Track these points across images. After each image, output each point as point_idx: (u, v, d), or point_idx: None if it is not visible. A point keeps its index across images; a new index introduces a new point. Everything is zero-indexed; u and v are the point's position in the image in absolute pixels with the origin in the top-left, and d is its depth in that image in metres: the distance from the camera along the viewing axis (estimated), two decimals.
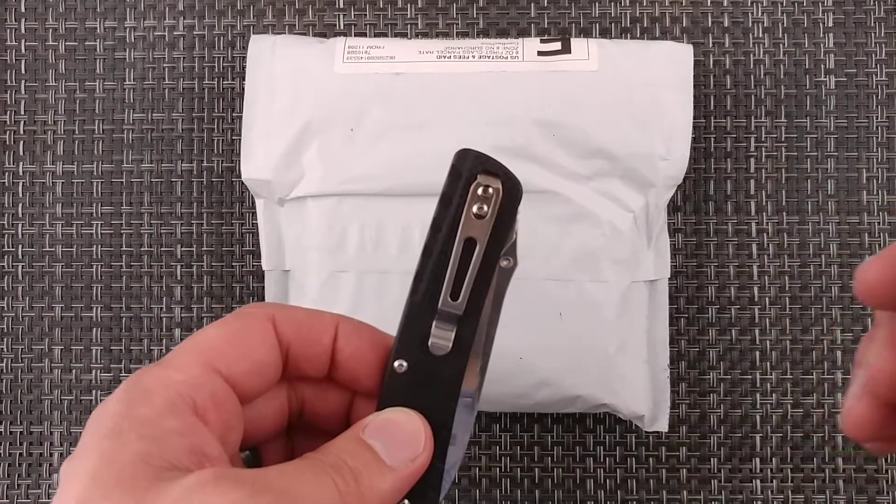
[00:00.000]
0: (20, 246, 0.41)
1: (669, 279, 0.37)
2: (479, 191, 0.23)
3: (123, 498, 0.19)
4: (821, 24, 0.40)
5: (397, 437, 0.22)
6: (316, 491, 0.20)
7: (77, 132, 0.41)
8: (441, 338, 0.23)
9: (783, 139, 0.40)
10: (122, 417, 0.20)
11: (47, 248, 0.40)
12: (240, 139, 0.38)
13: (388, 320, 0.35)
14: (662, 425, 0.37)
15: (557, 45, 0.36)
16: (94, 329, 0.40)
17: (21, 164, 0.41)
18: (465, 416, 0.23)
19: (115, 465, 0.19)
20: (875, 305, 0.23)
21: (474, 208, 0.23)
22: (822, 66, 0.40)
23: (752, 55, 0.40)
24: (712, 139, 0.40)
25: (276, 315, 0.23)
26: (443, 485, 0.23)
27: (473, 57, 0.36)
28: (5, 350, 0.40)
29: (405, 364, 0.23)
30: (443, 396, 0.23)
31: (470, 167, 0.23)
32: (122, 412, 0.20)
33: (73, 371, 0.40)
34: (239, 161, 0.37)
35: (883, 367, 0.22)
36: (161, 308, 0.40)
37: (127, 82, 0.41)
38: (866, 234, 0.39)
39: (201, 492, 0.19)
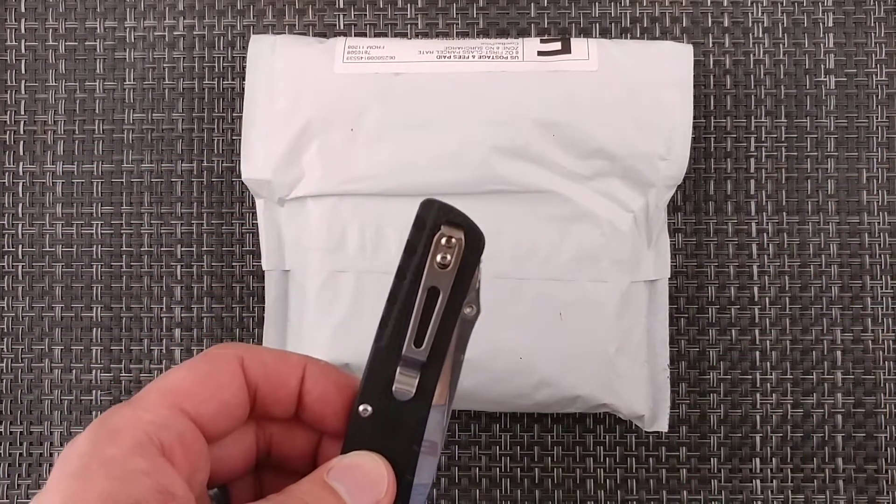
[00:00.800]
0: (20, 246, 0.41)
1: (669, 279, 0.37)
2: (443, 241, 0.23)
3: None
4: (821, 24, 0.40)
5: (361, 480, 0.23)
6: None
7: (77, 132, 0.41)
8: (405, 383, 0.24)
9: (783, 139, 0.40)
10: (89, 457, 0.20)
11: (47, 248, 0.40)
12: (240, 139, 0.38)
13: None
14: (662, 425, 0.37)
15: (557, 45, 0.36)
16: (94, 329, 0.40)
17: (21, 164, 0.41)
18: (428, 461, 0.24)
19: (104, 462, 0.20)
20: None
21: (438, 258, 0.23)
22: (822, 66, 0.40)
23: (752, 55, 0.40)
24: (712, 139, 0.40)
25: (244, 356, 0.23)
26: None
27: (473, 57, 0.36)
28: (5, 350, 0.40)
29: (369, 408, 0.24)
30: (406, 441, 0.24)
31: (434, 217, 0.23)
32: (89, 452, 0.20)
33: (73, 371, 0.40)
34: (239, 161, 0.37)
35: None
36: (161, 308, 0.40)
37: (127, 82, 0.41)
38: (866, 234, 0.39)
39: None
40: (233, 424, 0.23)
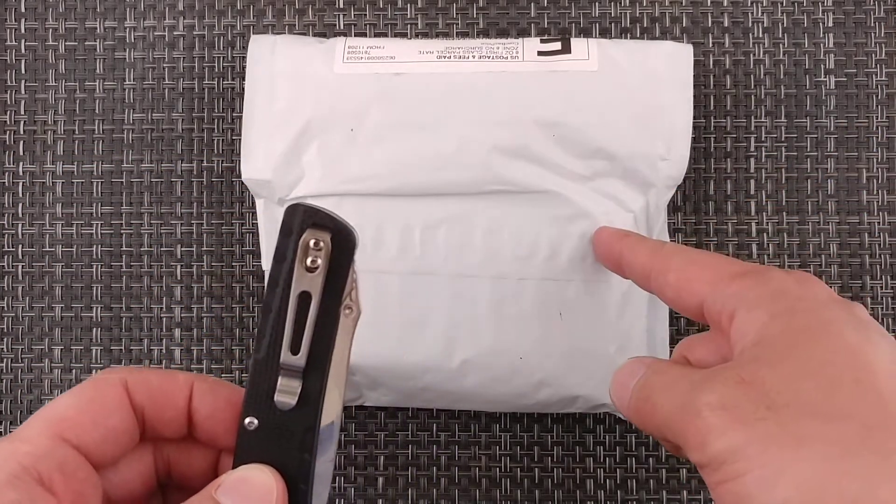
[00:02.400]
0: (20, 246, 0.41)
1: None
2: (311, 244, 0.23)
3: None
4: (821, 24, 0.40)
5: (249, 494, 0.23)
6: None
7: (77, 132, 0.41)
8: (287, 392, 0.23)
9: (783, 139, 0.40)
10: None
11: (47, 248, 0.40)
12: (240, 139, 0.38)
13: (387, 320, 0.35)
14: None
15: (557, 45, 0.36)
16: (94, 329, 0.40)
17: (21, 164, 0.41)
18: (322, 467, 0.24)
19: None
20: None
21: (307, 262, 0.23)
22: (822, 66, 0.40)
23: (752, 55, 0.40)
24: (712, 139, 0.40)
25: (128, 379, 0.23)
26: None
27: (473, 57, 0.36)
28: (5, 350, 0.40)
29: (255, 421, 0.24)
30: (296, 450, 0.24)
31: (300, 221, 0.23)
32: None
33: (73, 371, 0.40)
34: (239, 161, 0.37)
35: None
36: (161, 308, 0.40)
37: (127, 82, 0.41)
38: (866, 234, 0.39)
39: None
40: (120, 450, 0.23)
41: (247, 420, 0.24)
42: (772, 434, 0.20)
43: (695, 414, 0.22)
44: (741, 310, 0.24)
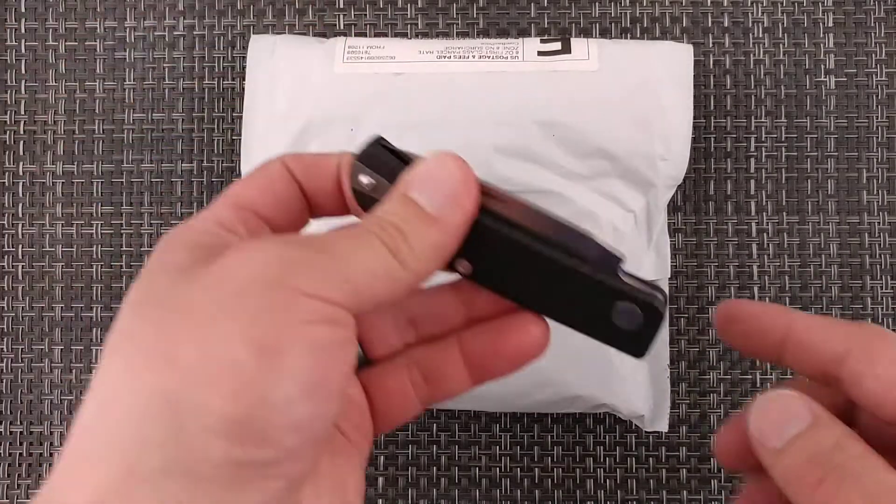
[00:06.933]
0: (20, 246, 0.41)
1: (669, 279, 0.37)
2: None
3: (179, 274, 0.20)
4: (821, 24, 0.40)
5: (439, 185, 0.22)
6: (366, 253, 0.21)
7: (77, 132, 0.41)
8: None
9: (783, 139, 0.40)
10: (158, 254, 0.21)
11: (47, 248, 0.40)
12: (240, 139, 0.38)
13: None
14: (662, 425, 0.37)
15: (557, 45, 0.36)
16: (94, 329, 0.40)
17: (21, 164, 0.41)
18: None
19: (165, 264, 0.21)
20: (732, 469, 0.25)
21: None
22: (822, 66, 0.40)
23: (752, 55, 0.40)
24: (712, 139, 0.40)
25: (285, 159, 0.24)
26: None
27: (473, 57, 0.36)
28: (5, 350, 0.40)
29: None
30: None
31: None
32: (155, 257, 0.21)
33: (73, 371, 0.40)
34: (239, 161, 0.37)
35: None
36: None
37: (127, 82, 0.41)
38: (866, 234, 0.39)
39: (248, 246, 0.20)
40: (290, 216, 0.24)
41: None
42: None
43: None
44: None
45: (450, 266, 0.23)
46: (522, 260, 0.23)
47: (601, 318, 0.23)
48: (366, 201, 0.23)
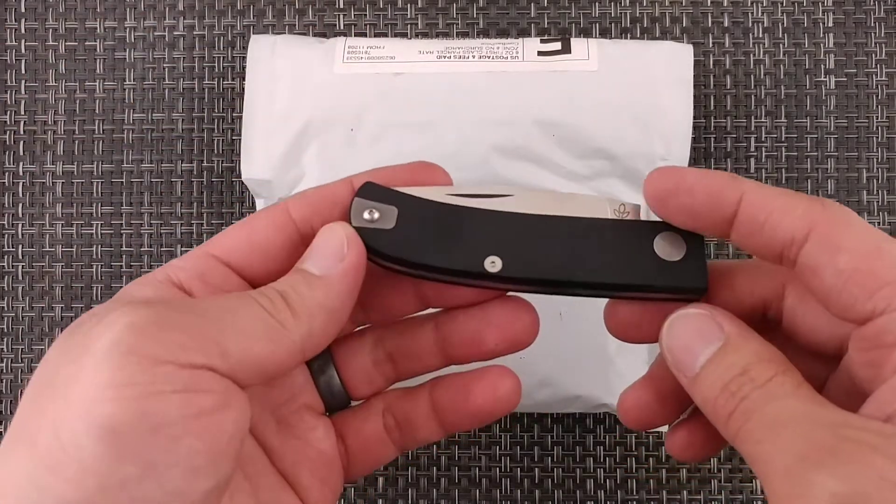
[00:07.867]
0: (20, 246, 0.41)
1: None
2: None
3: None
4: (821, 24, 0.40)
5: (323, 249, 0.23)
6: (240, 314, 0.21)
7: (77, 132, 0.41)
8: None
9: (783, 139, 0.40)
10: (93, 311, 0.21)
11: (47, 248, 0.40)
12: (240, 139, 0.38)
13: None
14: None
15: (557, 45, 0.36)
16: None
17: (21, 164, 0.41)
18: None
19: (79, 325, 0.21)
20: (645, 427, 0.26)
21: None
22: (822, 66, 0.40)
23: (752, 55, 0.40)
24: (712, 139, 0.40)
25: (289, 201, 0.24)
26: None
27: (473, 57, 0.36)
28: (5, 350, 0.40)
29: None
30: None
31: None
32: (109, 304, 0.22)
33: None
34: (239, 161, 0.37)
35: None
36: None
37: (127, 82, 0.41)
38: None
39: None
40: (268, 266, 0.24)
41: None
42: None
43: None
44: None
45: (477, 273, 0.24)
46: (552, 232, 0.23)
47: (645, 257, 0.23)
48: (370, 237, 0.24)
